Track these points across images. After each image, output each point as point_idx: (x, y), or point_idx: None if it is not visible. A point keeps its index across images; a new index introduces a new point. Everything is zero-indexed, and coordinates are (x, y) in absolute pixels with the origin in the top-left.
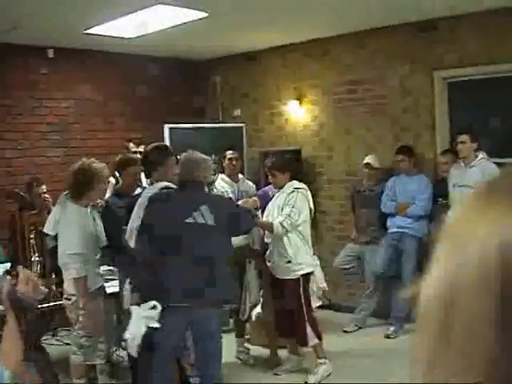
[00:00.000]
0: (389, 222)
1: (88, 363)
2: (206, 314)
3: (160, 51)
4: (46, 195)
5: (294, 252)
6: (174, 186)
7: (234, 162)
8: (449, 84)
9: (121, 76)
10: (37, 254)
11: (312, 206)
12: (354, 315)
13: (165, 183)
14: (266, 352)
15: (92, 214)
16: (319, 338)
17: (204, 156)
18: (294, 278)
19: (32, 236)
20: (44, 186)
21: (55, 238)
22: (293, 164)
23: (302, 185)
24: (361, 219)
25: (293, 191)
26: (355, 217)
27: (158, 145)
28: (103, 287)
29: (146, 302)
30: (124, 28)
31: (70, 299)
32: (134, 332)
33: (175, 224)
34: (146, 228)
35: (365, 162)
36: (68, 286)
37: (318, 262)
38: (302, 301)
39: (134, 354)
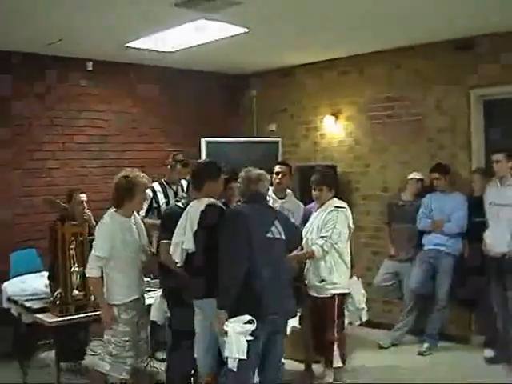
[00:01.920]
0: (424, 240)
1: (113, 374)
2: (284, 324)
3: (199, 65)
4: (85, 205)
5: (328, 271)
6: (219, 203)
7: (280, 177)
8: (485, 102)
9: (159, 90)
10: (76, 265)
11: (351, 224)
12: (391, 332)
13: (211, 199)
14: (299, 366)
15: (138, 225)
16: (343, 361)
17: (262, 171)
18: (326, 296)
19: (72, 246)
20: (84, 195)
21: None
22: (336, 180)
23: (342, 203)
24: (399, 235)
25: (333, 210)
26: (392, 232)
27: (211, 160)
28: (139, 299)
29: (234, 316)
30: (164, 42)
31: None
32: (235, 348)
33: (260, 238)
34: (232, 245)
35: (410, 177)
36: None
37: (360, 283)
38: (334, 321)
39: (235, 368)
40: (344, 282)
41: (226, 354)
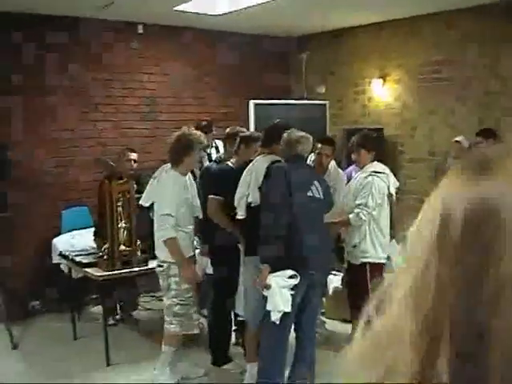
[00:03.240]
0: None
1: (184, 333)
2: (322, 279)
3: (249, 28)
4: (133, 164)
5: (360, 238)
6: (281, 161)
7: (322, 159)
8: None
9: (210, 52)
10: (123, 221)
11: (392, 190)
12: None
13: (276, 157)
14: (341, 326)
15: (190, 183)
16: None
17: (305, 134)
18: (357, 263)
19: (119, 204)
20: (134, 154)
21: (148, 208)
22: (378, 143)
23: (382, 168)
24: None
25: (370, 175)
26: None
27: (284, 123)
28: (194, 255)
29: (276, 270)
30: (213, 4)
31: (162, 266)
32: (280, 301)
33: (301, 196)
34: (275, 199)
35: (455, 139)
36: (160, 253)
37: (397, 247)
38: (367, 289)
39: (278, 321)
40: (378, 250)
41: (269, 307)
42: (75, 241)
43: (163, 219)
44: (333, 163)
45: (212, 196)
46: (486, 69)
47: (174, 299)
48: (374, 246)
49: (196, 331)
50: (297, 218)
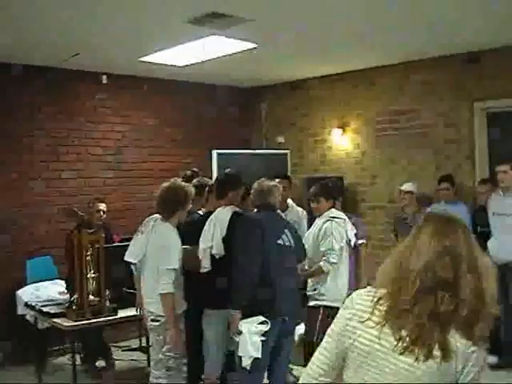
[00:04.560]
0: None
1: None
2: (293, 325)
3: (211, 79)
4: (103, 214)
5: (321, 282)
6: (240, 211)
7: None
8: (488, 115)
9: (171, 102)
10: (92, 271)
11: (350, 236)
12: None
13: (235, 208)
14: None
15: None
16: None
17: (274, 183)
18: (314, 306)
19: (88, 253)
20: (103, 205)
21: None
22: (337, 191)
23: (339, 213)
24: None
25: (328, 220)
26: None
27: (234, 172)
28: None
29: (247, 317)
30: (176, 57)
31: (158, 320)
32: (251, 347)
33: (272, 245)
34: (247, 248)
35: (398, 189)
36: (155, 307)
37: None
38: (317, 332)
39: (249, 367)
40: (335, 294)
41: (239, 353)
42: (40, 292)
43: (167, 273)
44: (291, 201)
45: (185, 246)
46: (440, 117)
47: (168, 353)
48: (331, 290)
49: (183, 383)
50: (268, 267)
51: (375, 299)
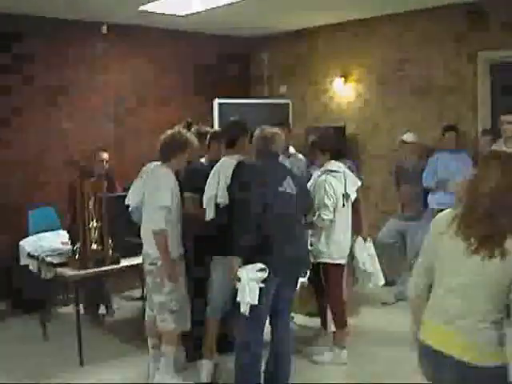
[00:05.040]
0: (429, 198)
1: (178, 330)
2: (295, 276)
3: (212, 29)
4: (105, 164)
5: (316, 238)
6: (247, 160)
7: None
8: (491, 66)
9: (173, 52)
10: (95, 220)
11: (350, 190)
12: (394, 287)
13: (242, 157)
14: (309, 320)
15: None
16: (341, 326)
17: (277, 130)
18: (315, 262)
19: (91, 202)
20: (105, 154)
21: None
22: (335, 143)
23: (337, 166)
24: (404, 195)
25: (323, 173)
26: (399, 193)
27: (240, 120)
28: (183, 255)
29: (248, 263)
30: (178, 5)
31: (155, 263)
32: (248, 293)
33: (273, 191)
34: (250, 196)
35: (400, 139)
36: (153, 250)
37: (364, 246)
38: (323, 288)
39: (247, 313)
40: (332, 251)
41: (238, 298)
42: (43, 242)
43: (157, 210)
44: (292, 149)
45: (188, 193)
46: (445, 68)
47: (169, 296)
48: (328, 246)
49: (188, 327)
50: (270, 213)
51: (452, 216)
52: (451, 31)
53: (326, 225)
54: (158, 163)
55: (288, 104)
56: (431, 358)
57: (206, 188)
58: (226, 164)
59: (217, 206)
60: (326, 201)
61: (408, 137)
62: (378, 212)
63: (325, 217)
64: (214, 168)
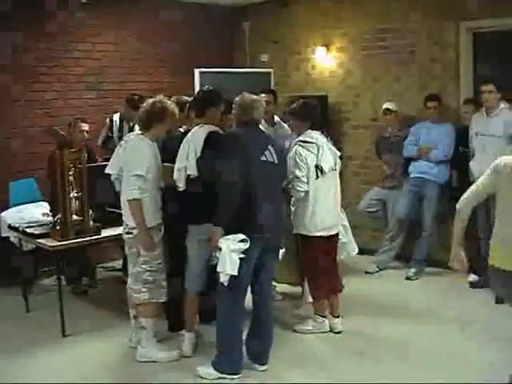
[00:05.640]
0: (411, 168)
1: (153, 301)
2: (276, 243)
3: None
4: (86, 134)
5: (293, 210)
6: (219, 130)
7: (265, 105)
8: (474, 35)
9: (154, 22)
10: (75, 191)
11: (324, 161)
12: (375, 257)
13: (213, 127)
14: (290, 289)
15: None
16: (318, 298)
17: (257, 97)
18: (295, 233)
19: (71, 173)
20: (85, 125)
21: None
22: (314, 112)
23: (313, 137)
24: (386, 164)
25: (295, 144)
26: (381, 162)
27: (214, 88)
28: (161, 224)
29: (228, 234)
30: None
31: (131, 232)
32: (228, 264)
33: (254, 161)
34: (229, 165)
35: (384, 108)
36: (129, 219)
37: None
38: (304, 259)
39: (226, 283)
40: (305, 224)
41: (218, 269)
42: (23, 214)
43: (132, 180)
44: (277, 118)
45: (166, 164)
46: (428, 37)
47: (144, 266)
48: (303, 218)
49: (164, 299)
50: (251, 183)
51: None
52: (434, 0)
53: (300, 196)
54: (139, 132)
55: (270, 73)
56: (500, 277)
57: (176, 160)
58: (197, 135)
59: (188, 177)
60: (298, 173)
61: (389, 104)
62: (360, 182)
63: (299, 188)
64: (185, 139)
